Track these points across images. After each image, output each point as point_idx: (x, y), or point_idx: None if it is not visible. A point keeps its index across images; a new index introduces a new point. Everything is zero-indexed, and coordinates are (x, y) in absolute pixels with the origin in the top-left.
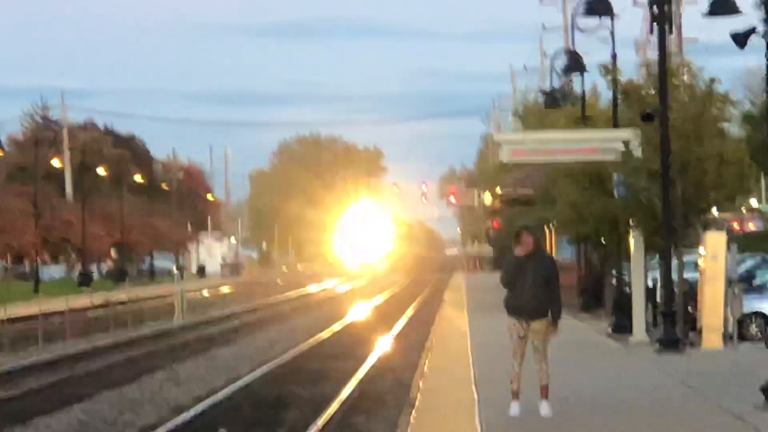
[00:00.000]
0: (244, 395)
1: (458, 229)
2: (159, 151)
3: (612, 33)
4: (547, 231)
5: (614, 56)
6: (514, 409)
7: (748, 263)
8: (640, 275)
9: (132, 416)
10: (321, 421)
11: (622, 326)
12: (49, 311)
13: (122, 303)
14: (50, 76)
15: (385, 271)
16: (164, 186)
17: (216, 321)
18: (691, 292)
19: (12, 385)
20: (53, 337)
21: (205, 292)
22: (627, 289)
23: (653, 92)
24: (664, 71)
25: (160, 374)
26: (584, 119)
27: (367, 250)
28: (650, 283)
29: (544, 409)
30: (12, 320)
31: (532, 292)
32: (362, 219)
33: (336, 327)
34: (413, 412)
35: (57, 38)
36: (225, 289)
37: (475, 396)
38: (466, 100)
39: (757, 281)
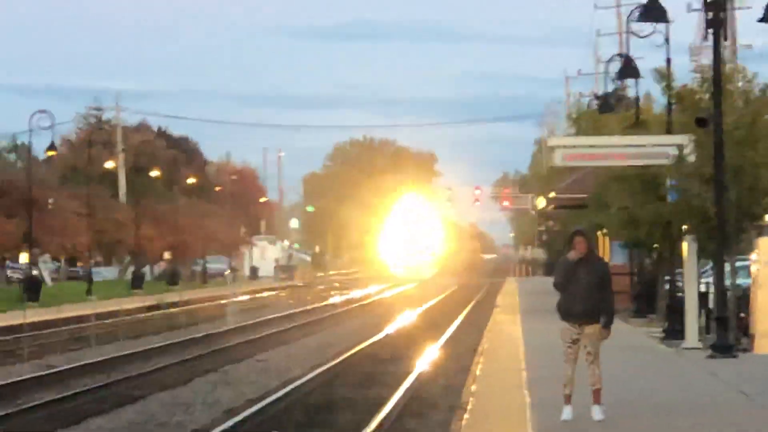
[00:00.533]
0: (296, 398)
1: (510, 233)
2: (212, 153)
3: (667, 38)
4: (599, 235)
5: (668, 61)
6: (566, 413)
7: None
8: (693, 280)
9: (184, 418)
10: (374, 424)
11: (675, 331)
12: (102, 312)
13: (174, 305)
14: (104, 77)
15: (433, 276)
16: (217, 188)
17: (265, 323)
18: (744, 298)
19: (65, 386)
20: (106, 339)
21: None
22: (680, 294)
23: (707, 97)
24: (718, 77)
25: (213, 376)
26: (638, 124)
27: (415, 252)
28: (703, 289)
29: (597, 413)
30: (66, 320)
31: (584, 296)
32: (409, 219)
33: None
34: (465, 415)
35: (111, 40)
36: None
37: (528, 400)
38: (519, 104)
39: None
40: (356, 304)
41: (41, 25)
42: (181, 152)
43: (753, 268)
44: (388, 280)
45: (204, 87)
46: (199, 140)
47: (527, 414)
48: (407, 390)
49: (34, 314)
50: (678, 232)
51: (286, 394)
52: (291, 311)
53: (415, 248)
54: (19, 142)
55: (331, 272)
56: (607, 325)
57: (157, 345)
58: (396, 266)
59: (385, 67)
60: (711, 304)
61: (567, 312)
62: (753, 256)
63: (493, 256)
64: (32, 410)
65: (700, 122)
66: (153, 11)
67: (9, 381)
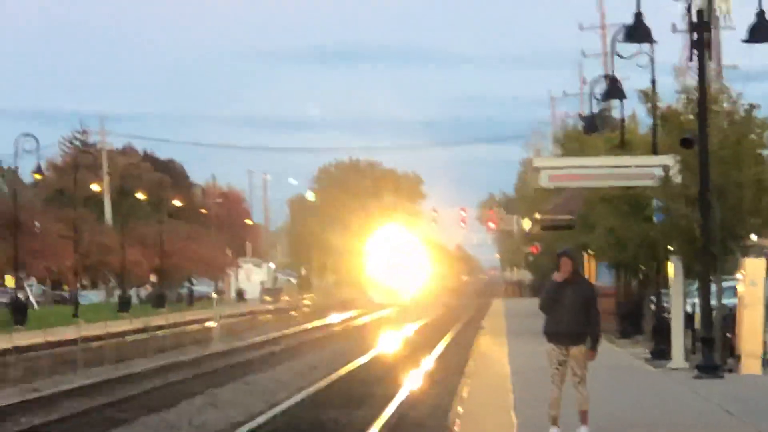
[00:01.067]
0: (283, 420)
1: (496, 254)
2: (198, 175)
3: (651, 59)
4: (585, 256)
5: (653, 82)
6: None
7: None
8: (679, 301)
9: None
10: None
11: (661, 352)
12: (88, 336)
13: (161, 328)
14: (89, 100)
15: (415, 301)
16: (203, 211)
17: (251, 347)
18: (730, 318)
19: (53, 409)
20: (93, 362)
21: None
22: (666, 315)
23: (692, 118)
24: (703, 97)
25: (199, 399)
26: (623, 145)
27: (398, 277)
28: (689, 309)
29: None
30: (53, 344)
31: (570, 318)
32: (391, 246)
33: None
34: None
35: (96, 64)
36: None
37: (515, 421)
38: (505, 125)
39: None
40: (341, 327)
41: (26, 48)
42: (167, 175)
43: (739, 289)
44: (365, 305)
45: (190, 110)
46: (185, 163)
47: None
48: (394, 412)
49: (20, 337)
50: (664, 253)
51: (273, 417)
52: (276, 334)
53: (397, 273)
54: (4, 165)
55: (308, 295)
56: (594, 347)
57: (143, 368)
58: (376, 291)
59: (371, 90)
60: (697, 325)
61: (553, 334)
62: (738, 276)
63: (483, 276)
64: None
65: (686, 143)
66: (138, 36)
67: None
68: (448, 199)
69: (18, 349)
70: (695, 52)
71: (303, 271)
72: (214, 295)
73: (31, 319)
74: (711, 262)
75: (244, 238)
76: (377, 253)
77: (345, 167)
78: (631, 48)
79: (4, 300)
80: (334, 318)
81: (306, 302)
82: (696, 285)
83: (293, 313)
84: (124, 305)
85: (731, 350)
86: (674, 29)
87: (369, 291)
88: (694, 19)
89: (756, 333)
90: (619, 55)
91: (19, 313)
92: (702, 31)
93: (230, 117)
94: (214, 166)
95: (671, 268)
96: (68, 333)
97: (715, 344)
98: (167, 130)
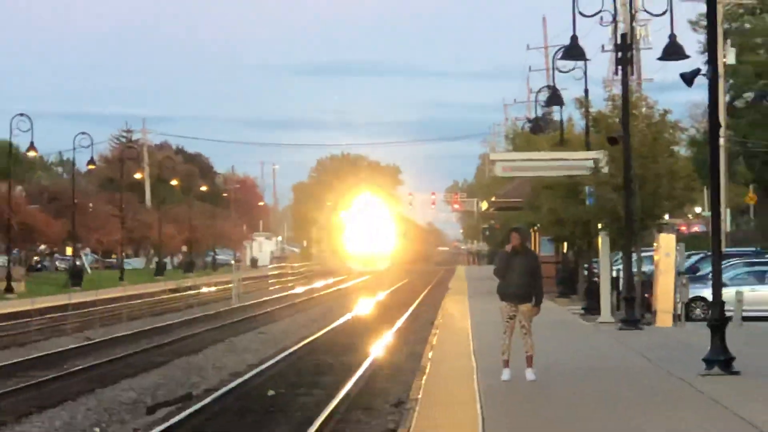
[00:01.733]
0: (289, 362)
1: (460, 230)
2: (220, 166)
3: (585, 73)
4: (532, 232)
5: (586, 92)
6: (505, 375)
7: (693, 259)
8: (607, 268)
9: (198, 379)
10: (350, 384)
11: (592, 309)
12: (131, 295)
13: (190, 288)
14: (133, 105)
15: (390, 268)
16: (224, 195)
17: (262, 304)
18: (647, 282)
19: (103, 354)
20: (135, 316)
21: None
22: (596, 279)
23: (617, 121)
24: (626, 104)
25: (221, 346)
26: (562, 142)
27: (371, 245)
28: (614, 274)
29: (529, 375)
30: (102, 301)
31: (519, 281)
32: (364, 215)
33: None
34: (424, 377)
35: (139, 74)
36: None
37: (474, 365)
38: (467, 126)
39: (700, 273)
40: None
41: (84, 62)
42: (195, 166)
43: (655, 258)
44: (347, 273)
45: (214, 113)
46: (210, 156)
47: (474, 376)
48: (377, 356)
49: (76, 296)
50: (594, 229)
51: (281, 360)
52: (283, 294)
53: (372, 242)
54: (64, 158)
55: (307, 263)
56: (538, 304)
57: (175, 320)
58: (354, 260)
59: (359, 98)
60: (621, 287)
61: (504, 294)
62: (654, 248)
63: (446, 248)
64: (75, 374)
65: (612, 141)
66: (174, 50)
67: (56, 350)
68: (421, 185)
69: (74, 306)
70: (619, 67)
71: (304, 244)
72: (233, 262)
73: (85, 282)
74: (632, 237)
75: (257, 217)
76: (353, 223)
77: (338, 160)
78: (569, 64)
79: (64, 266)
80: (326, 281)
81: (304, 269)
82: (620, 255)
83: (294, 277)
84: (160, 270)
85: (648, 307)
86: (603, 49)
87: (348, 260)
88: (619, 41)
89: (668, 294)
90: (558, 70)
91: (76, 276)
92: (625, 51)
93: (246, 118)
94: (233, 158)
95: (600, 241)
96: (115, 292)
97: (635, 303)
98: (196, 129)
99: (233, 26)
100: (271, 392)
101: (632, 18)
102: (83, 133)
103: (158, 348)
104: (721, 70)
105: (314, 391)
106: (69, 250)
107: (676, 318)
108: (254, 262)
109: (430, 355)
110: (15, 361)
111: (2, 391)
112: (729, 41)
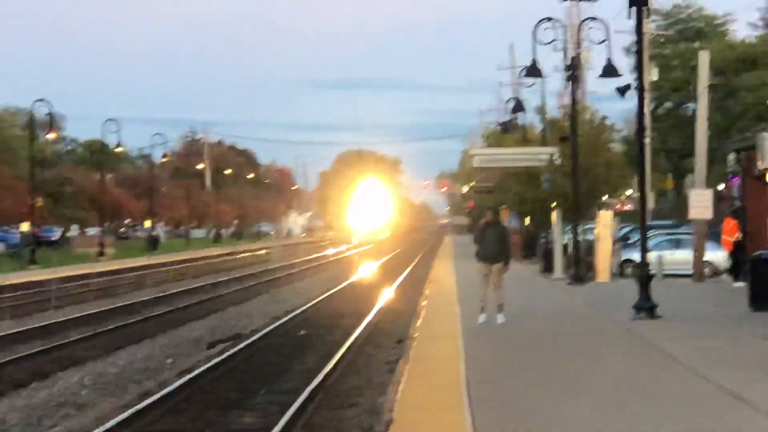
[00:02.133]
0: (316, 309)
1: (447, 207)
2: (264, 159)
3: (542, 88)
4: (502, 209)
5: (543, 102)
6: (481, 318)
7: (625, 230)
8: (559, 237)
9: (247, 322)
10: (362, 325)
11: (548, 268)
12: (196, 257)
13: (241, 252)
14: (197, 111)
15: (390, 237)
16: (266, 181)
17: (295, 265)
18: (590, 247)
19: (175, 302)
20: (199, 273)
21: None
22: (550, 245)
23: (567, 124)
24: (574, 111)
25: (265, 297)
26: (525, 140)
27: (374, 220)
28: (565, 241)
29: (500, 318)
30: (174, 262)
31: (492, 247)
32: (369, 195)
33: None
34: (419, 319)
35: (201, 86)
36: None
37: (458, 310)
38: (452, 128)
39: (630, 241)
40: (349, 253)
41: (158, 80)
42: (244, 159)
43: (595, 229)
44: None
45: (258, 117)
46: (256, 151)
47: (458, 319)
48: (383, 305)
49: (154, 259)
50: (549, 207)
51: (310, 307)
52: (310, 257)
53: (374, 216)
54: (144, 152)
55: (330, 233)
56: (506, 265)
57: (229, 277)
58: (360, 232)
59: (367, 105)
60: (569, 251)
61: (481, 256)
62: (596, 221)
63: (444, 222)
64: (152, 318)
65: (563, 139)
66: (225, 71)
67: (135, 300)
68: (417, 173)
69: (152, 266)
70: (569, 83)
71: (327, 219)
72: (273, 232)
73: (160, 248)
74: (578, 213)
75: (291, 198)
76: (361, 202)
77: (352, 153)
78: (530, 80)
79: (144, 235)
80: (340, 248)
81: (327, 237)
82: (569, 227)
83: (323, 243)
84: (217, 239)
85: (590, 267)
86: (556, 69)
87: (356, 231)
88: (568, 63)
89: (606, 257)
90: (522, 84)
91: (153, 243)
92: (573, 70)
93: (283, 122)
94: (273, 153)
95: (554, 216)
96: (184, 256)
97: (581, 263)
98: (245, 130)
99: (274, 51)
100: (302, 332)
101: (578, 45)
102: (158, 133)
103: (217, 298)
104: (646, 85)
105: (335, 331)
106: (147, 223)
107: (612, 275)
108: (289, 232)
109: (424, 303)
110: (106, 308)
111: (95, 332)
112: (653, 63)
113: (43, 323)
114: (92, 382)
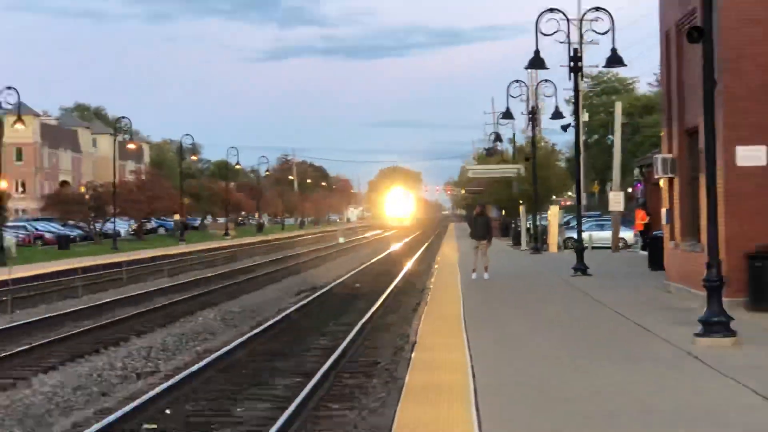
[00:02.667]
0: (364, 271)
1: (451, 203)
2: (333, 172)
3: (513, 126)
4: (487, 205)
5: (513, 135)
6: (474, 276)
7: (567, 218)
8: (524, 223)
9: (284, 296)
10: (391, 287)
11: (517, 243)
12: (288, 235)
13: (316, 233)
14: (289, 140)
15: (411, 225)
16: (334, 186)
17: (352, 241)
18: (545, 229)
19: (277, 264)
20: (286, 246)
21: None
22: (519, 228)
23: (529, 149)
24: (534, 141)
25: (331, 263)
26: (502, 160)
27: (401, 212)
28: (528, 226)
29: (486, 276)
30: (273, 240)
31: (480, 230)
32: (398, 196)
33: (398, 244)
34: (433, 278)
35: (288, 122)
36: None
37: (458, 271)
38: (455, 152)
39: (570, 225)
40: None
41: (264, 115)
42: (320, 173)
43: (548, 218)
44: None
45: (334, 146)
46: (328, 167)
47: (458, 276)
48: (408, 269)
49: (260, 237)
50: (518, 203)
51: (360, 270)
52: (360, 236)
53: (400, 210)
54: (254, 168)
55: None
56: (489, 241)
57: (306, 250)
58: (391, 219)
59: (396, 139)
60: (531, 232)
61: (473, 236)
62: (548, 212)
63: (446, 213)
64: (260, 276)
65: (527, 159)
66: (309, 112)
67: (249, 264)
68: (432, 181)
69: (260, 242)
70: (530, 123)
71: (372, 211)
72: (338, 220)
73: (265, 230)
74: (536, 207)
75: (350, 198)
76: (392, 200)
77: (389, 169)
78: (506, 121)
79: (254, 223)
80: (378, 231)
81: (371, 223)
82: (530, 216)
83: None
84: (302, 224)
85: (544, 242)
86: (522, 113)
87: (388, 220)
88: (530, 109)
89: (554, 235)
90: (500, 124)
91: (259, 228)
92: (533, 114)
93: (347, 149)
94: (339, 169)
95: (521, 209)
96: (281, 235)
97: (539, 240)
98: (321, 152)
99: (342, 97)
100: (357, 285)
101: (536, 98)
102: (263, 156)
103: (301, 263)
104: (581, 124)
105: (378, 285)
106: (256, 215)
107: (559, 248)
108: (348, 220)
109: (436, 267)
110: (231, 269)
111: (224, 285)
112: (585, 109)
113: (190, 279)
114: (221, 318)
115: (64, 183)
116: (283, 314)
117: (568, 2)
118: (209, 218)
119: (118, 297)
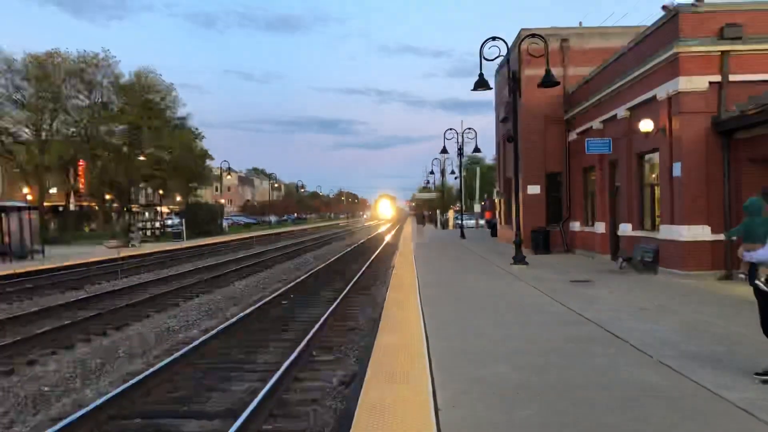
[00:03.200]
0: (351, 253)
1: (409, 209)
2: (360, 195)
3: (442, 163)
4: (424, 210)
5: (443, 175)
6: (418, 240)
7: (456, 215)
8: (439, 217)
9: (294, 274)
10: (366, 264)
11: (436, 227)
12: (325, 224)
13: (344, 224)
14: (338, 181)
15: (390, 220)
16: (356, 202)
17: (356, 228)
18: (447, 220)
19: (319, 242)
20: (311, 232)
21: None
22: (437, 219)
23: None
24: (443, 182)
25: (342, 241)
26: (430, 190)
27: (387, 212)
28: (441, 218)
29: (423, 241)
30: (312, 229)
31: (421, 220)
32: (384, 202)
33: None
34: (397, 254)
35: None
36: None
37: (412, 238)
38: (413, 184)
39: (457, 218)
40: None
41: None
42: (354, 196)
43: (449, 214)
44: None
45: (356, 184)
46: (358, 194)
47: (412, 246)
48: (380, 251)
49: (307, 225)
50: (436, 208)
51: (353, 248)
52: (360, 226)
53: (385, 211)
54: (317, 190)
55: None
56: (425, 224)
57: (326, 234)
58: (378, 216)
59: (388, 183)
60: (441, 221)
61: (418, 222)
62: (448, 213)
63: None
64: (301, 250)
65: (440, 192)
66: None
67: (303, 239)
68: (401, 198)
69: (305, 230)
70: (442, 177)
71: (372, 213)
72: (362, 215)
73: (334, 218)
74: (443, 210)
75: (365, 206)
76: (382, 207)
77: (382, 195)
78: (439, 158)
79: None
80: (371, 223)
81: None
82: (442, 214)
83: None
84: (348, 217)
85: (447, 225)
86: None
87: (380, 217)
88: (440, 172)
89: (451, 222)
90: (433, 165)
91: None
92: (443, 176)
93: (363, 186)
94: (363, 194)
95: (437, 211)
96: (320, 224)
97: (445, 225)
98: (355, 188)
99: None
100: (376, 223)
101: (443, 163)
102: (319, 186)
103: (323, 244)
104: (462, 177)
105: (368, 251)
106: (331, 214)
107: (453, 227)
108: (364, 216)
109: (400, 243)
110: (290, 243)
111: (273, 257)
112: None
113: (307, 238)
114: (313, 257)
115: (247, 201)
116: (304, 276)
117: (456, 122)
118: (313, 215)
119: (286, 244)
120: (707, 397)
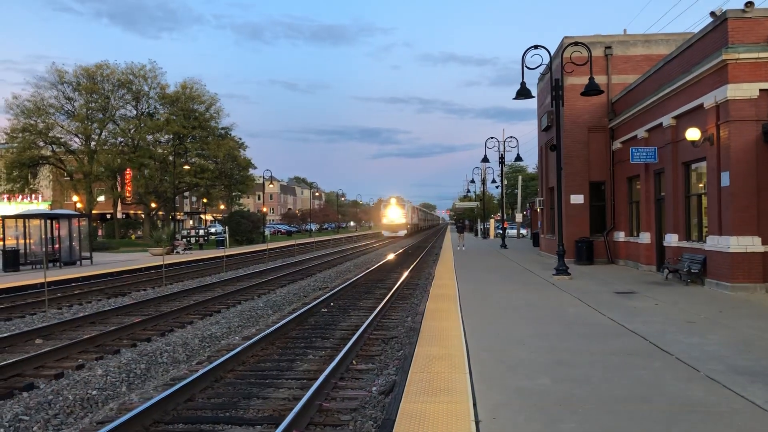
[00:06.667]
0: (389, 262)
1: (449, 218)
2: (363, 199)
3: (484, 172)
4: (464, 218)
5: (479, 189)
6: (457, 248)
7: (497, 224)
8: (479, 226)
9: (331, 284)
10: (412, 267)
11: (476, 235)
12: (356, 234)
13: (350, 233)
14: (348, 179)
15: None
16: (359, 210)
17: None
18: (487, 229)
19: (347, 254)
20: (356, 238)
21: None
22: (477, 228)
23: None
24: (483, 194)
25: (350, 262)
26: (470, 200)
27: (398, 219)
28: (481, 227)
29: (462, 248)
30: (346, 238)
31: (460, 229)
32: (395, 207)
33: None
34: (438, 263)
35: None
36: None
37: (452, 250)
38: (449, 196)
39: (498, 227)
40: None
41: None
42: (354, 201)
43: (490, 223)
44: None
45: (366, 183)
46: (360, 198)
47: (452, 252)
48: (419, 259)
49: (347, 233)
50: (476, 217)
51: (387, 261)
52: (372, 238)
53: (396, 217)
54: (356, 199)
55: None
56: (463, 233)
57: (360, 243)
58: (388, 229)
59: (424, 174)
60: (482, 230)
61: (458, 231)
62: (489, 222)
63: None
64: (342, 258)
65: (480, 200)
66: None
67: (342, 248)
68: (441, 207)
69: (345, 238)
70: (483, 186)
71: (378, 223)
72: (369, 226)
73: (363, 227)
74: (484, 219)
75: (369, 215)
76: (387, 211)
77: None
78: (480, 167)
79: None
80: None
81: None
82: (482, 223)
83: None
84: (370, 227)
85: (488, 234)
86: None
87: (387, 229)
88: (481, 181)
89: (492, 231)
90: (474, 174)
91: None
92: (483, 185)
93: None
94: (365, 198)
95: (478, 221)
96: (354, 233)
97: (486, 233)
98: (362, 189)
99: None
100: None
101: (483, 172)
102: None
103: (353, 255)
104: (504, 185)
105: (411, 258)
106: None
107: (494, 237)
108: (369, 226)
109: (440, 251)
110: (330, 251)
111: (314, 265)
112: (506, 177)
113: (341, 247)
114: (354, 265)
115: (289, 209)
116: (348, 282)
117: (498, 130)
118: (352, 223)
119: (326, 252)
120: (757, 413)
